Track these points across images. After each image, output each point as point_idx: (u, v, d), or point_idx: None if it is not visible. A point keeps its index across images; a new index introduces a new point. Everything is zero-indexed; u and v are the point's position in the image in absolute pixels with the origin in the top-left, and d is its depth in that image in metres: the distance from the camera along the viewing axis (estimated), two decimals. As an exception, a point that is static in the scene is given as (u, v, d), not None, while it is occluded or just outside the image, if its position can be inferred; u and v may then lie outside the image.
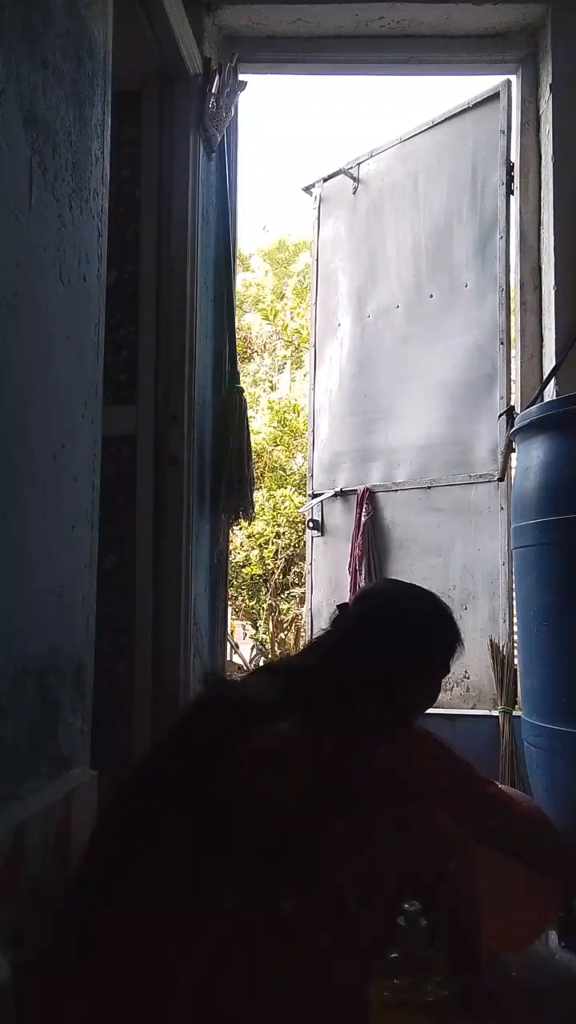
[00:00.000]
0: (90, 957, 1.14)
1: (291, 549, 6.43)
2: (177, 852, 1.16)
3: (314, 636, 1.57)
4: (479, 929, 1.30)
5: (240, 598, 6.66)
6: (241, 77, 2.75)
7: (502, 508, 2.80)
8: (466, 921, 1.28)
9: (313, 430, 3.55)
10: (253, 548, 6.47)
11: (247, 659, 6.48)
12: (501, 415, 2.81)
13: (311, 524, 3.44)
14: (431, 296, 3.11)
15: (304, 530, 3.57)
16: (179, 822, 1.18)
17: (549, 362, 2.73)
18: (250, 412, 3.37)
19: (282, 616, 6.49)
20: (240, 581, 6.47)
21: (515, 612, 2.63)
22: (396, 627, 1.46)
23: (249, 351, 8.08)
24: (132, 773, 1.31)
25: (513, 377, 2.88)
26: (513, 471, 2.57)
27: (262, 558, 6.43)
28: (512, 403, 2.81)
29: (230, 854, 1.16)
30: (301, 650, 1.51)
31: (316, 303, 3.61)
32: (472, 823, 1.33)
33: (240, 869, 1.15)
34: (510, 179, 2.89)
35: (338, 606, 1.52)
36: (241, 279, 8.22)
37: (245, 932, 1.13)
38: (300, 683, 1.38)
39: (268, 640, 6.50)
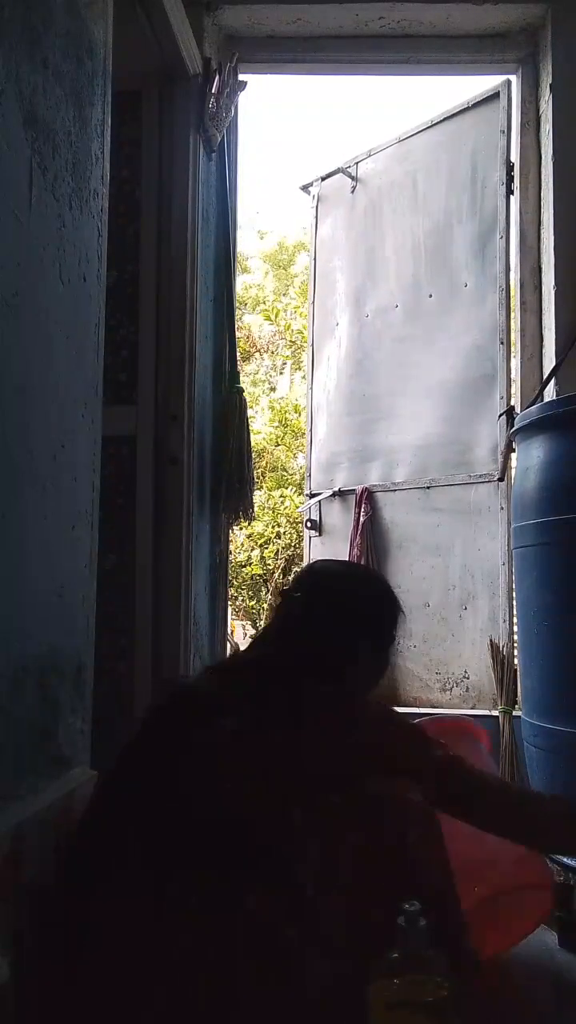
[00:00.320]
0: (66, 968, 1.14)
1: (291, 549, 6.44)
2: (140, 862, 1.15)
3: (260, 626, 1.56)
4: (454, 896, 1.29)
5: (240, 598, 6.66)
6: (241, 77, 2.75)
7: (502, 508, 2.80)
8: (438, 890, 1.27)
9: (311, 430, 3.55)
10: (253, 548, 6.48)
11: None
12: (501, 415, 2.81)
13: (309, 524, 3.44)
14: (430, 296, 3.11)
15: (304, 530, 3.57)
16: (139, 832, 1.18)
17: (549, 362, 2.73)
18: (250, 412, 3.37)
19: (282, 616, 6.47)
20: (240, 581, 6.47)
21: (515, 612, 2.63)
22: (338, 606, 1.45)
23: (251, 350, 8.09)
24: (98, 790, 1.31)
25: (513, 377, 2.89)
26: (513, 471, 2.57)
27: (262, 558, 6.43)
28: (512, 403, 2.81)
29: (190, 857, 1.14)
30: (249, 643, 1.50)
31: (314, 302, 3.61)
32: (430, 789, 1.30)
33: (200, 871, 1.14)
34: (510, 179, 2.89)
35: (279, 592, 1.51)
36: (241, 281, 8.22)
37: (214, 933, 1.12)
38: (249, 676, 1.37)
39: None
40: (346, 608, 1.45)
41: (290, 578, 6.45)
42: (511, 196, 2.90)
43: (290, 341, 8.02)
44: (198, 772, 1.21)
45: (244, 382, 2.99)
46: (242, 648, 1.49)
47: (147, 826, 1.18)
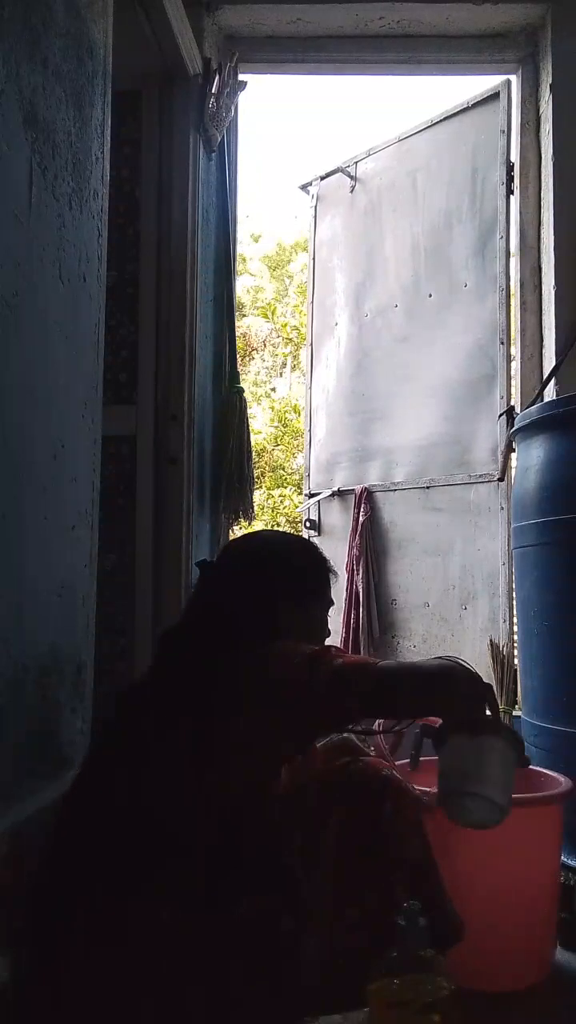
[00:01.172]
0: (49, 983, 1.13)
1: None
2: (112, 878, 1.13)
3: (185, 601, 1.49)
4: (433, 863, 1.29)
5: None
6: (241, 77, 2.75)
7: (502, 508, 2.79)
8: (417, 859, 1.27)
9: (310, 430, 3.55)
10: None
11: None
12: (501, 415, 2.81)
13: (308, 524, 3.44)
14: (430, 296, 3.11)
15: (302, 530, 3.57)
16: (106, 850, 1.15)
17: (549, 362, 2.73)
18: (250, 412, 3.37)
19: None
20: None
21: (515, 612, 2.63)
22: (253, 562, 1.41)
23: (249, 349, 8.08)
24: (60, 812, 1.29)
25: (513, 377, 2.89)
26: (513, 471, 2.57)
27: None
28: (512, 403, 2.81)
29: (157, 865, 1.13)
30: (183, 615, 1.45)
31: (313, 302, 3.61)
32: (349, 699, 1.19)
33: (169, 877, 1.12)
34: (510, 179, 2.89)
35: (197, 564, 1.47)
36: (240, 283, 8.22)
37: (203, 941, 1.11)
38: (178, 650, 1.34)
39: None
40: (260, 573, 1.39)
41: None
42: (511, 196, 2.90)
43: (286, 338, 8.01)
44: (128, 785, 1.19)
45: (244, 382, 2.99)
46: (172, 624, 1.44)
47: (106, 844, 1.16)
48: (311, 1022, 1.12)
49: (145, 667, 2.37)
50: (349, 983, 1.09)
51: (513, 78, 2.94)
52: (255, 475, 2.89)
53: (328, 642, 1.43)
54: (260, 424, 7.17)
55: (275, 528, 1.68)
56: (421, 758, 1.53)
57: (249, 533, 1.56)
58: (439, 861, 1.32)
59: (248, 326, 8.34)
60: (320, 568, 1.47)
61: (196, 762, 1.16)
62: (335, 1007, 1.16)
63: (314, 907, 1.18)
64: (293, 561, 1.44)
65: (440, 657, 1.29)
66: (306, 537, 1.50)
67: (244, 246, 9.12)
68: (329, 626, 1.51)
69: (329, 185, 3.54)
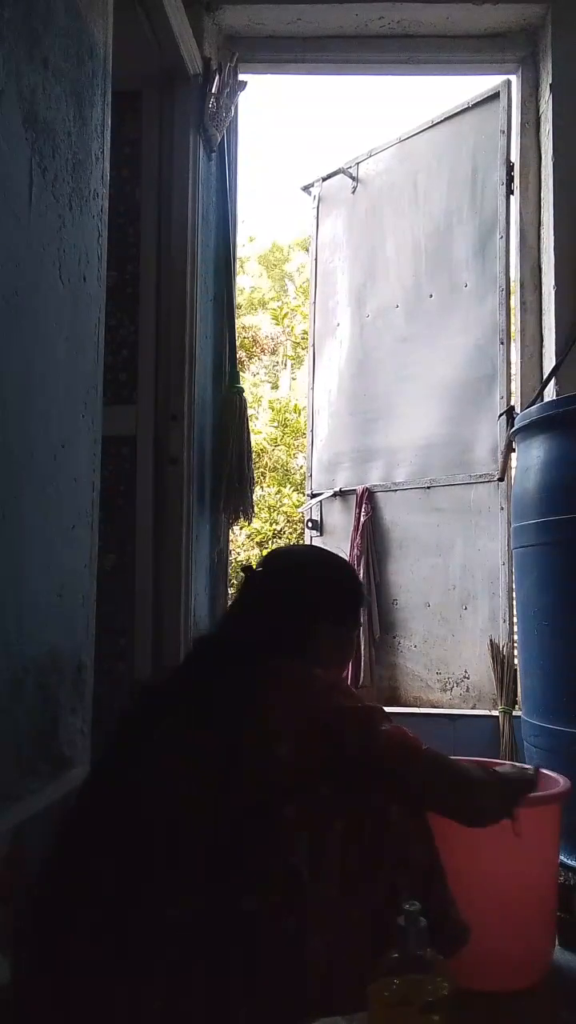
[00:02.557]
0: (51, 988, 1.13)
1: (291, 549, 6.42)
2: (117, 879, 1.13)
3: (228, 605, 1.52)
4: (440, 868, 1.29)
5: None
6: (241, 77, 2.75)
7: (502, 508, 2.80)
8: (423, 863, 1.27)
9: (312, 430, 3.55)
10: (253, 547, 6.48)
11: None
12: (501, 415, 2.81)
13: (310, 524, 3.44)
14: (431, 296, 3.11)
15: (304, 529, 3.57)
16: (113, 850, 1.16)
17: (549, 362, 2.73)
18: (251, 412, 3.37)
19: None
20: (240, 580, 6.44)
21: (515, 612, 2.63)
22: (298, 582, 1.44)
23: (252, 350, 8.08)
24: (75, 803, 1.29)
25: (513, 377, 2.89)
26: (513, 471, 2.57)
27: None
28: (512, 403, 2.81)
29: (169, 868, 1.13)
30: (221, 619, 1.47)
31: (315, 303, 3.61)
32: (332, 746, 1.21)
33: (179, 880, 1.12)
34: (510, 179, 2.89)
35: (242, 569, 1.49)
36: (241, 281, 8.23)
37: (208, 942, 1.11)
38: (217, 655, 1.35)
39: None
40: (305, 585, 1.43)
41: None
42: (511, 196, 2.90)
43: (295, 342, 8.01)
44: (155, 789, 1.19)
45: (245, 382, 2.99)
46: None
47: (111, 844, 1.16)
48: None
49: (148, 668, 2.39)
50: (352, 985, 1.09)
51: (513, 78, 2.94)
52: (255, 475, 2.89)
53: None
54: (260, 424, 7.17)
55: (315, 546, 1.70)
56: None
57: (295, 545, 1.59)
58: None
59: (249, 326, 8.34)
60: (359, 590, 1.52)
61: (208, 769, 1.17)
62: (337, 1009, 1.16)
63: (319, 908, 1.18)
64: (336, 578, 1.49)
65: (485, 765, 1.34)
66: (343, 560, 1.52)
67: (244, 247, 9.14)
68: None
69: (331, 186, 3.54)
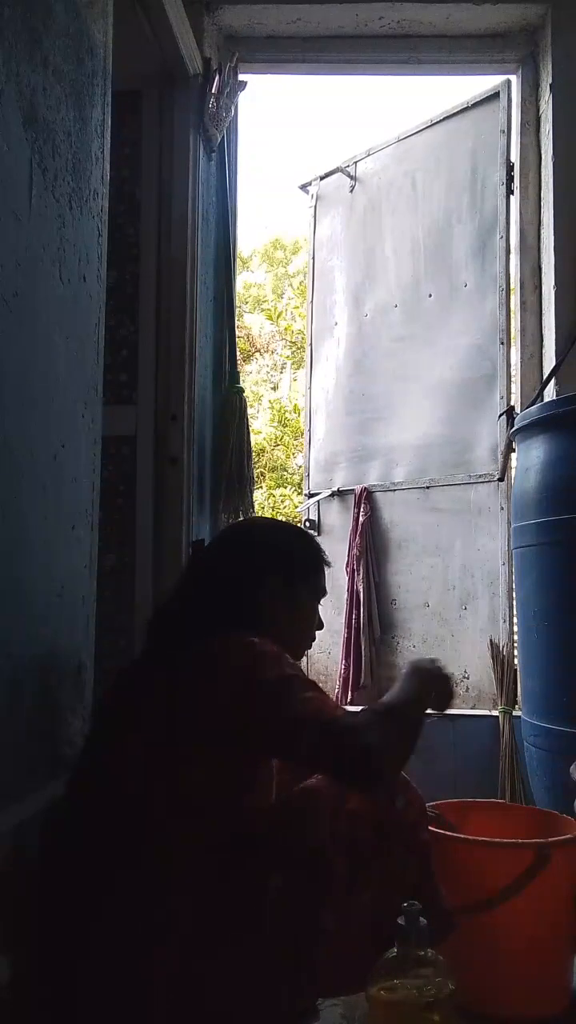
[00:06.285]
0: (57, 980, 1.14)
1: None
2: (109, 862, 1.14)
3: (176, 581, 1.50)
4: (431, 859, 1.34)
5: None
6: (241, 77, 2.75)
7: (502, 508, 2.80)
8: (421, 852, 1.33)
9: (309, 429, 3.55)
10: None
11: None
12: (501, 415, 2.81)
13: (308, 524, 3.44)
14: (430, 296, 3.11)
15: (303, 530, 3.57)
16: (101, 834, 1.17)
17: (549, 362, 2.73)
18: (250, 412, 3.37)
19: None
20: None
21: (515, 612, 2.63)
22: (244, 545, 1.43)
23: (252, 349, 8.08)
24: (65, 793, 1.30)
25: (513, 377, 2.89)
26: (513, 471, 2.57)
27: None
28: (512, 403, 2.81)
29: (166, 853, 1.14)
30: (168, 595, 1.46)
31: (312, 302, 3.61)
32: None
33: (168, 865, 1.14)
34: (510, 179, 2.89)
35: (192, 543, 1.50)
36: (241, 280, 8.22)
37: (236, 921, 1.14)
38: (167, 629, 1.36)
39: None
40: (252, 546, 1.42)
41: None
42: (511, 196, 2.90)
43: (291, 341, 8.01)
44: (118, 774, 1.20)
45: (244, 382, 2.99)
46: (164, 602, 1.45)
47: (110, 833, 1.17)
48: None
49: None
50: (351, 967, 1.15)
51: (513, 78, 2.94)
52: (255, 475, 2.89)
53: (328, 642, 1.45)
54: (260, 424, 7.17)
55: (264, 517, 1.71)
56: None
57: (246, 519, 1.59)
58: (463, 895, 1.38)
59: (250, 324, 8.34)
60: (310, 550, 1.47)
61: (185, 750, 1.18)
62: (334, 991, 1.27)
63: (335, 886, 1.21)
64: (282, 538, 1.47)
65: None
66: (294, 524, 1.52)
67: (248, 242, 9.14)
68: (322, 619, 1.51)
69: (329, 185, 3.54)
